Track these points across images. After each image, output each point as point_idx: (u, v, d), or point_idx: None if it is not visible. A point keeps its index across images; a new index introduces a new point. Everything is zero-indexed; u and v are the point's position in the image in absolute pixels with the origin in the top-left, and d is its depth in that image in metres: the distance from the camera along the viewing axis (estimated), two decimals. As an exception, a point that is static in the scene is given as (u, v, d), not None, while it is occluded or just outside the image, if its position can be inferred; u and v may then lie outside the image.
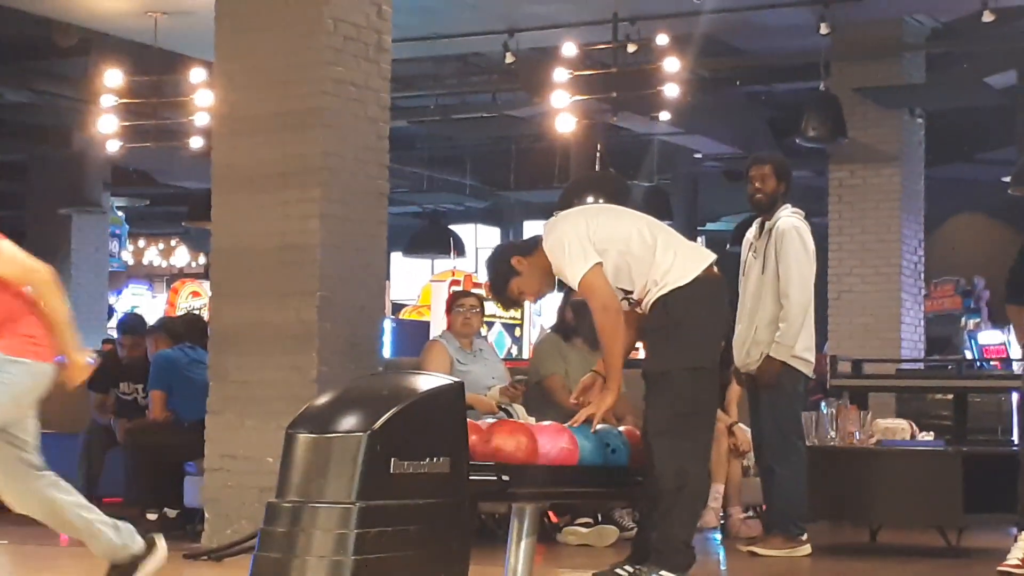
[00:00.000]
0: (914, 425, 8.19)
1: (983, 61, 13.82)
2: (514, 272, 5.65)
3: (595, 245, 5.53)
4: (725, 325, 5.81)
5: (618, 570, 5.60)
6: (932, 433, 8.25)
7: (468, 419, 4.90)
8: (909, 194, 13.37)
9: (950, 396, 10.60)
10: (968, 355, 16.68)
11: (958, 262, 18.43)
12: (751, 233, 7.21)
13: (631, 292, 5.60)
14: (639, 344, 5.92)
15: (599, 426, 5.56)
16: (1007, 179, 12.19)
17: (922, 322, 13.66)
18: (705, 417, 5.63)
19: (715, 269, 5.65)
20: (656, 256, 5.57)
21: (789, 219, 7.04)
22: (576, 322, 8.21)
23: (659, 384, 5.51)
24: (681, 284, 5.52)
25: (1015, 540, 6.50)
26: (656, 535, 5.49)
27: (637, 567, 5.53)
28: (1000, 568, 6.42)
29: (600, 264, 5.51)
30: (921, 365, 12.97)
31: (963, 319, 17.64)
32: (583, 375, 8.13)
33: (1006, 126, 13.67)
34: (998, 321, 17.25)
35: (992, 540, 7.55)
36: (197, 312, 17.40)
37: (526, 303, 18.02)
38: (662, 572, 5.44)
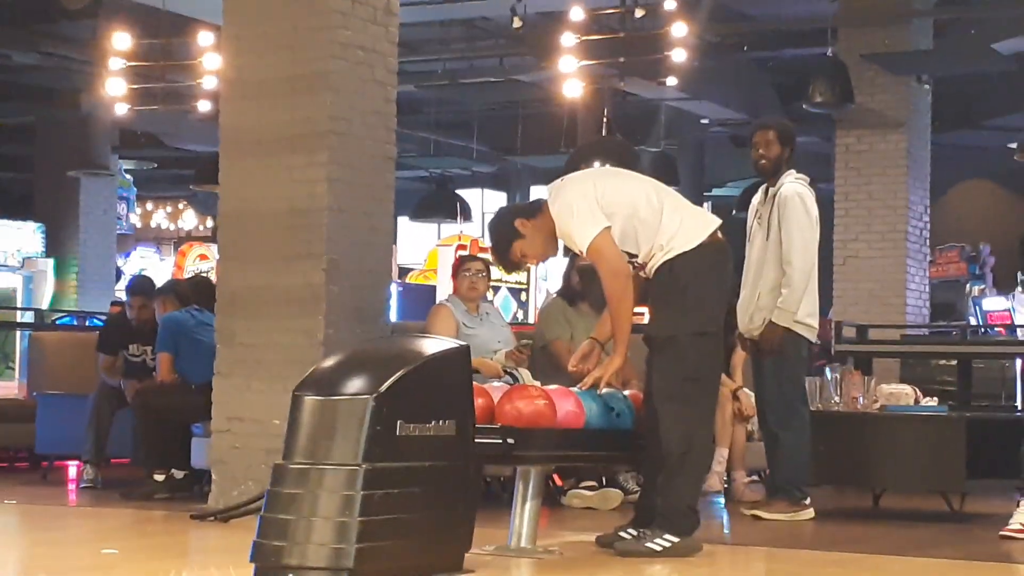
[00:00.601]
0: (918, 390, 8.21)
1: (991, 27, 13.78)
2: (517, 235, 5.66)
3: (603, 209, 5.54)
4: (729, 290, 5.84)
5: (622, 533, 5.65)
6: (936, 398, 8.28)
7: (474, 382, 4.94)
8: (915, 160, 13.37)
9: (954, 362, 10.64)
10: (972, 321, 16.70)
11: (964, 228, 18.43)
12: (756, 199, 7.23)
13: (636, 256, 5.63)
14: (641, 309, 5.95)
15: (604, 390, 5.61)
16: (1014, 146, 12.20)
17: (927, 288, 13.68)
18: (710, 382, 5.66)
19: (719, 234, 5.67)
20: (662, 220, 5.58)
21: (792, 185, 7.05)
22: (582, 286, 8.24)
23: (664, 349, 5.54)
24: (687, 249, 5.55)
25: (1017, 505, 6.55)
26: (661, 499, 5.52)
27: (641, 530, 5.58)
28: (1002, 533, 6.47)
29: (609, 228, 5.52)
30: (926, 331, 13.00)
31: (968, 285, 17.65)
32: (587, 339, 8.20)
33: (1014, 92, 13.67)
34: (1003, 287, 17.27)
35: (995, 505, 7.59)
36: (205, 275, 17.46)
37: (531, 267, 18.06)
38: (666, 535, 5.49)
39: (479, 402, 5.02)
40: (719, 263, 5.67)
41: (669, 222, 5.58)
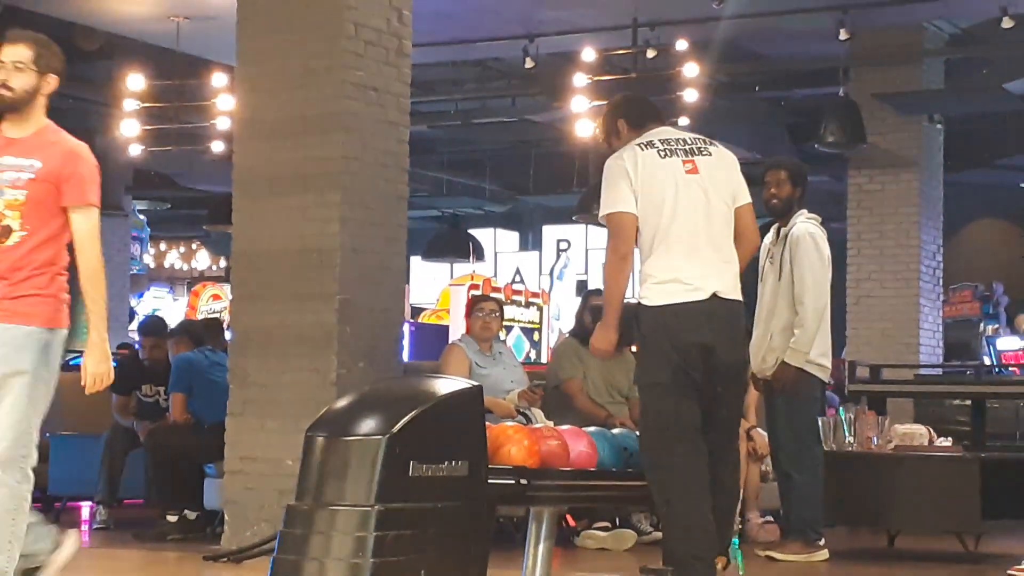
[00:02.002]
0: (932, 430, 8.19)
1: (1002, 67, 13.81)
2: (616, 133, 5.62)
3: (635, 198, 5.41)
4: (693, 356, 5.56)
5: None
6: (950, 439, 8.25)
7: (487, 422, 4.93)
8: (928, 199, 13.37)
9: (968, 402, 10.59)
10: (987, 361, 16.65)
11: (977, 267, 18.40)
12: (768, 238, 7.22)
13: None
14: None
15: (616, 430, 5.58)
16: (1026, 185, 12.19)
17: (940, 327, 13.65)
18: (678, 432, 5.34)
19: (696, 302, 5.40)
20: (651, 257, 5.42)
21: (804, 225, 7.04)
22: (595, 326, 8.22)
23: (643, 394, 5.51)
24: (651, 304, 5.41)
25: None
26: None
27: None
28: (1010, 572, 6.43)
29: (635, 216, 5.40)
30: (939, 370, 12.96)
31: (982, 325, 17.61)
32: (602, 379, 8.20)
33: (1025, 132, 13.69)
34: (1017, 327, 17.22)
35: (1010, 546, 7.56)
36: (217, 315, 17.47)
37: (545, 309, 18.05)
38: None
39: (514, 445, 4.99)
40: (682, 330, 5.34)
41: (654, 265, 5.40)
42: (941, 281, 13.72)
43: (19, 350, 4.86)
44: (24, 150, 4.86)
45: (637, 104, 5.77)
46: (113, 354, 13.14)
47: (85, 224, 4.95)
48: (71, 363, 13.98)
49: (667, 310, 5.36)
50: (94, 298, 5.03)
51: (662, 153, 5.51)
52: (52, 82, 4.99)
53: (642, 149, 5.49)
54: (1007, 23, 11.71)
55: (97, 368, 5.02)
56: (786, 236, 7.05)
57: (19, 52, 4.92)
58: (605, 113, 5.76)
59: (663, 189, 5.42)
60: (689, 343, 5.33)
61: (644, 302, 5.40)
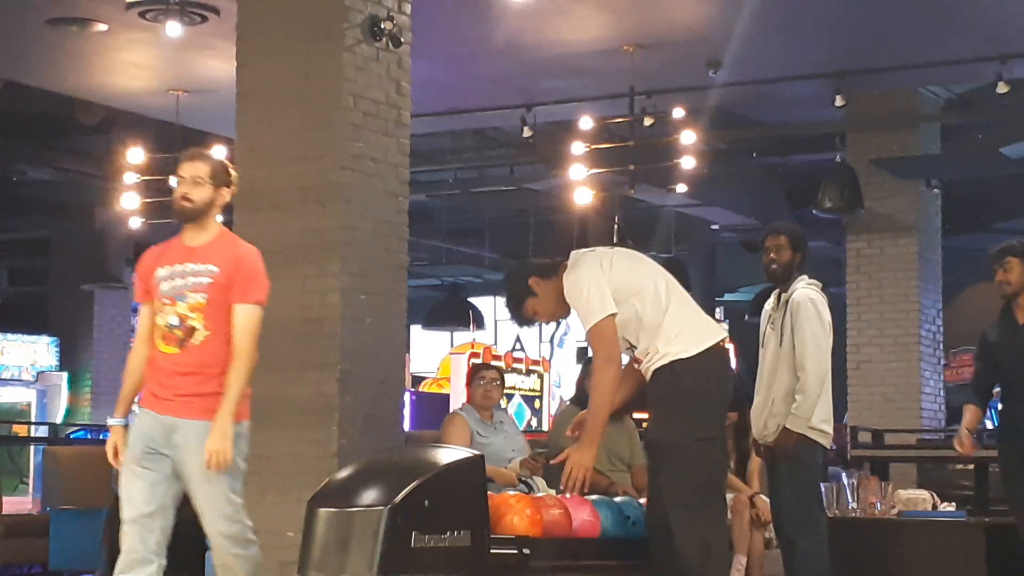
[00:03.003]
0: (935, 495, 8.16)
1: (998, 131, 13.88)
2: (531, 292, 5.68)
3: (613, 293, 5.53)
4: (729, 396, 5.78)
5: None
6: (954, 503, 8.22)
7: (489, 491, 4.92)
8: (927, 264, 13.39)
9: (971, 466, 10.55)
10: (989, 425, 16.59)
11: (977, 331, 18.30)
12: (768, 304, 7.20)
13: (634, 347, 5.61)
14: (642, 415, 5.92)
15: (619, 499, 5.57)
16: (1025, 248, 12.18)
17: (942, 392, 13.62)
18: (718, 486, 5.62)
19: (722, 344, 5.65)
20: (665, 320, 5.54)
21: (805, 291, 7.03)
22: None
23: (669, 455, 5.47)
24: (684, 357, 5.51)
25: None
26: None
27: None
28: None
29: (615, 315, 5.51)
30: (942, 435, 12.91)
31: (983, 389, 17.55)
32: (603, 447, 8.16)
33: (1022, 196, 13.73)
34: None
35: (1016, 611, 7.50)
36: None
37: (545, 377, 18.04)
38: None
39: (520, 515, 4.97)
40: (720, 369, 5.65)
41: (671, 324, 5.54)
42: (942, 345, 13.71)
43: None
44: (202, 257, 5.37)
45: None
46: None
47: (244, 317, 5.37)
48: (71, 436, 13.95)
49: (712, 354, 5.47)
50: (233, 383, 5.27)
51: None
52: (226, 195, 5.50)
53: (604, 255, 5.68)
54: (1002, 88, 11.78)
55: (218, 446, 5.21)
56: (787, 302, 7.04)
57: (197, 168, 5.42)
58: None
59: (643, 269, 5.68)
60: (729, 388, 5.50)
61: (681, 356, 5.46)
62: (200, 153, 5.59)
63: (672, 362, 5.49)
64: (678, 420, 5.48)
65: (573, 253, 5.72)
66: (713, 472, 5.51)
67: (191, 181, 5.39)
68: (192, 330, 5.30)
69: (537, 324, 5.93)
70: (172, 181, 5.66)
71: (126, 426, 5.42)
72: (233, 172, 5.59)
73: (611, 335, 5.50)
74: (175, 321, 5.30)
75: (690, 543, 5.35)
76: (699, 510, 5.40)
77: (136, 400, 5.53)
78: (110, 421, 5.45)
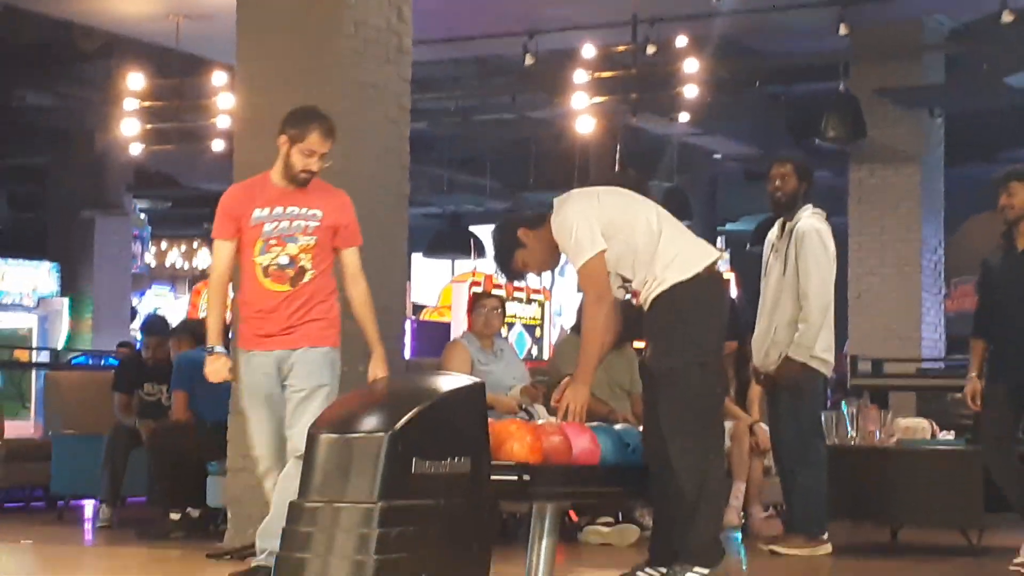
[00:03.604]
0: (935, 424, 8.19)
1: (1002, 61, 13.79)
2: (519, 244, 5.65)
3: (602, 229, 5.52)
4: (727, 320, 5.79)
5: (640, 573, 5.60)
6: (953, 432, 8.25)
7: (489, 418, 4.93)
8: (929, 194, 13.37)
9: (970, 396, 10.58)
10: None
11: (978, 262, 18.35)
12: (773, 233, 7.20)
13: (630, 281, 5.60)
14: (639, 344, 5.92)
15: (618, 426, 5.58)
16: (1027, 179, 12.14)
17: (943, 321, 13.64)
18: (714, 412, 5.62)
19: (717, 266, 5.66)
20: (659, 248, 5.53)
21: (809, 220, 7.03)
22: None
23: (668, 381, 5.48)
24: (683, 279, 5.50)
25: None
26: (684, 534, 5.46)
27: (665, 568, 5.50)
28: (1011, 567, 6.43)
29: (604, 251, 5.50)
30: (942, 364, 12.95)
31: (984, 319, 17.56)
32: (604, 375, 8.20)
33: (1025, 126, 13.71)
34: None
35: (1013, 539, 7.52)
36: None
37: (546, 305, 18.05)
38: (696, 569, 5.42)
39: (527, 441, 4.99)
40: (716, 294, 5.65)
41: (666, 250, 5.54)
42: (943, 275, 13.72)
43: (320, 367, 5.77)
44: (305, 202, 5.77)
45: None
46: (114, 353, 13.17)
47: (356, 260, 5.92)
48: (72, 362, 13.99)
49: (708, 278, 5.56)
50: (371, 318, 5.93)
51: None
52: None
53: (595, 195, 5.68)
54: (1007, 17, 11.70)
55: (383, 372, 5.91)
56: (791, 231, 7.03)
57: (329, 146, 5.85)
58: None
59: (632, 204, 5.70)
60: (727, 312, 5.55)
61: (677, 280, 5.49)
62: (334, 127, 5.89)
63: (671, 287, 5.49)
64: (676, 344, 5.48)
65: (558, 198, 5.69)
66: (711, 396, 5.53)
67: (319, 157, 5.79)
68: (303, 270, 5.70)
69: (525, 278, 5.92)
70: (299, 151, 5.88)
71: (227, 352, 5.92)
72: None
73: (601, 273, 5.50)
74: (285, 260, 5.69)
75: (686, 471, 5.37)
76: (697, 436, 5.42)
77: (230, 338, 6.07)
78: (217, 350, 5.85)
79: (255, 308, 5.79)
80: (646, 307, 5.58)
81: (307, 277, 5.73)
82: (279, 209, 5.74)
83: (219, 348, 5.86)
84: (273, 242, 5.71)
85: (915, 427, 8.02)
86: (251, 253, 5.74)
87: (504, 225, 5.78)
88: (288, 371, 5.76)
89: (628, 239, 5.53)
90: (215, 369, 5.86)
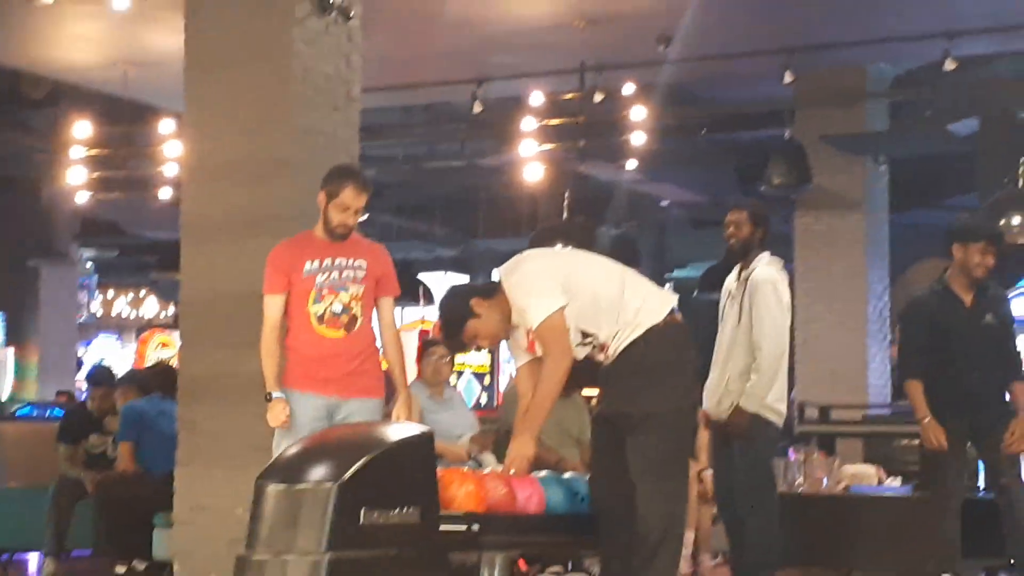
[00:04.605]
0: (882, 470, 8.22)
1: (945, 108, 13.95)
2: (472, 314, 5.55)
3: (563, 287, 5.49)
4: (697, 366, 5.81)
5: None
6: (899, 478, 8.28)
7: (438, 467, 4.91)
8: (874, 240, 13.47)
9: (917, 441, 10.62)
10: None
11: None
12: (730, 280, 7.17)
13: (591, 335, 5.56)
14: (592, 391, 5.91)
15: (567, 475, 5.57)
16: (971, 225, 12.26)
17: (888, 367, 13.71)
18: (686, 458, 5.64)
19: (677, 314, 5.67)
20: (624, 298, 5.54)
21: (766, 269, 7.01)
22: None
23: (644, 426, 5.44)
24: (655, 323, 5.50)
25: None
26: None
27: None
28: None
29: (564, 308, 5.47)
30: (888, 411, 13.01)
31: (929, 364, 17.67)
32: (553, 423, 8.17)
33: (968, 172, 13.81)
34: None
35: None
36: (166, 362, 17.34)
37: (495, 353, 18.03)
38: None
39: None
40: (685, 339, 5.66)
41: (632, 299, 5.54)
42: (888, 321, 13.80)
43: (375, 417, 6.13)
44: (349, 253, 6.16)
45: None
46: (54, 403, 13.02)
47: (392, 308, 6.32)
48: (16, 413, 13.83)
49: (674, 324, 5.56)
50: (401, 364, 6.32)
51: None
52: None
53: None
54: (950, 65, 11.85)
55: (406, 415, 6.27)
56: (747, 279, 7.03)
57: (363, 200, 6.16)
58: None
59: (589, 260, 5.76)
60: (696, 357, 5.64)
61: (650, 324, 5.48)
62: (367, 182, 6.24)
63: (644, 333, 5.47)
64: (655, 390, 5.45)
65: (508, 262, 5.64)
66: (684, 442, 5.53)
67: (355, 212, 6.14)
68: (355, 318, 6.11)
69: (469, 350, 5.93)
70: (335, 206, 6.22)
71: (285, 398, 6.13)
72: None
73: (564, 329, 5.45)
74: (338, 309, 6.08)
75: (654, 515, 5.34)
76: (669, 480, 5.40)
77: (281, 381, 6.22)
78: (276, 395, 6.11)
79: (310, 355, 6.12)
80: (618, 353, 5.54)
81: (358, 324, 6.13)
82: (328, 261, 6.13)
83: (277, 394, 6.12)
84: (325, 291, 6.10)
85: (862, 474, 8.05)
86: (304, 303, 6.09)
87: (455, 295, 5.72)
88: (342, 419, 6.07)
89: (592, 293, 5.50)
90: (275, 414, 6.10)
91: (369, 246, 6.30)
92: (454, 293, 5.75)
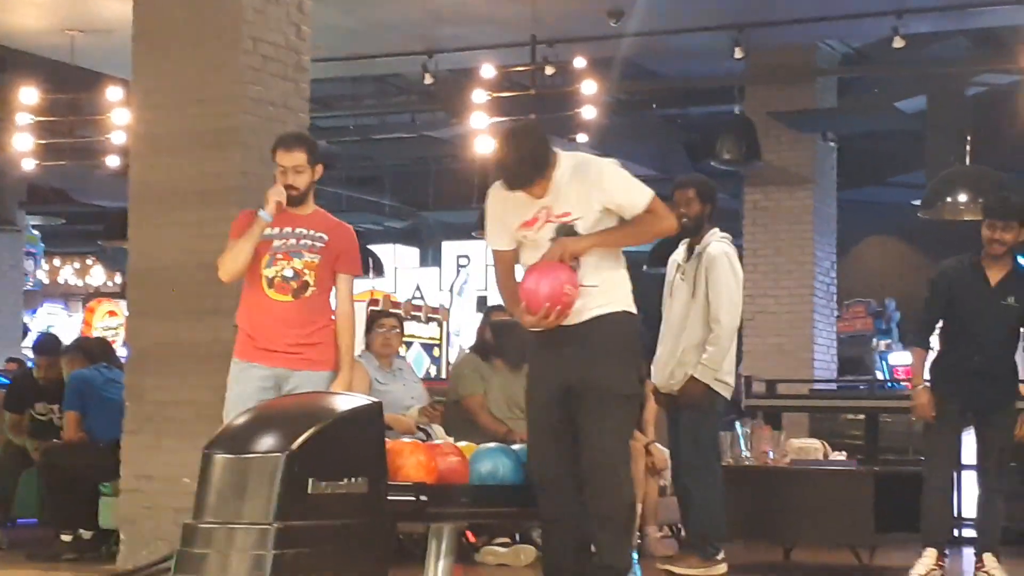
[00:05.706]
0: (827, 445, 8.30)
1: (894, 86, 14.07)
2: (553, 166, 5.36)
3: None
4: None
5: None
6: (844, 453, 8.37)
7: (387, 438, 4.92)
8: (822, 216, 13.57)
9: (862, 416, 10.75)
10: (879, 375, 16.91)
11: (870, 284, 18.67)
12: (679, 255, 7.18)
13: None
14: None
15: (516, 446, 5.59)
16: (917, 202, 12.40)
17: (835, 343, 13.84)
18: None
19: None
20: (619, 259, 5.55)
21: (719, 244, 7.05)
22: (496, 342, 8.25)
23: (617, 405, 5.35)
24: (629, 309, 5.46)
25: (919, 556, 6.63)
26: (609, 557, 5.34)
27: None
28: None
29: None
30: (834, 385, 13.14)
31: (874, 340, 17.88)
32: (503, 395, 8.20)
33: (916, 150, 13.93)
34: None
35: (903, 558, 7.66)
36: (113, 331, 17.26)
37: (444, 325, 18.03)
38: None
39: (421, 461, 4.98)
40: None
41: (623, 272, 5.53)
42: (835, 297, 13.91)
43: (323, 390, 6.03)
44: (311, 224, 6.19)
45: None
46: (3, 371, 12.94)
47: (350, 286, 6.29)
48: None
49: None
50: (348, 340, 6.23)
51: None
52: (320, 170, 6.27)
53: None
54: (898, 43, 11.94)
55: (351, 390, 6.10)
56: (700, 254, 7.05)
57: (296, 157, 6.16)
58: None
59: None
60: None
61: (631, 310, 5.46)
62: (295, 139, 6.24)
63: (626, 311, 5.43)
64: (631, 372, 5.45)
65: (565, 155, 5.40)
66: (636, 421, 5.62)
67: (292, 171, 6.12)
68: (306, 284, 6.10)
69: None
70: (278, 173, 6.20)
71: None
72: (318, 146, 6.32)
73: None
74: (289, 274, 6.09)
75: (626, 494, 5.38)
76: (627, 461, 5.45)
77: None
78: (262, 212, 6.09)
79: (257, 320, 6.12)
80: (588, 319, 5.40)
81: (308, 292, 6.10)
82: (288, 229, 6.14)
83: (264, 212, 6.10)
84: (280, 256, 6.11)
85: (808, 447, 8.12)
86: (259, 267, 6.11)
87: (544, 139, 5.37)
88: (290, 390, 6.02)
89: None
90: (277, 190, 6.10)
91: (336, 224, 6.33)
92: (542, 138, 5.37)
